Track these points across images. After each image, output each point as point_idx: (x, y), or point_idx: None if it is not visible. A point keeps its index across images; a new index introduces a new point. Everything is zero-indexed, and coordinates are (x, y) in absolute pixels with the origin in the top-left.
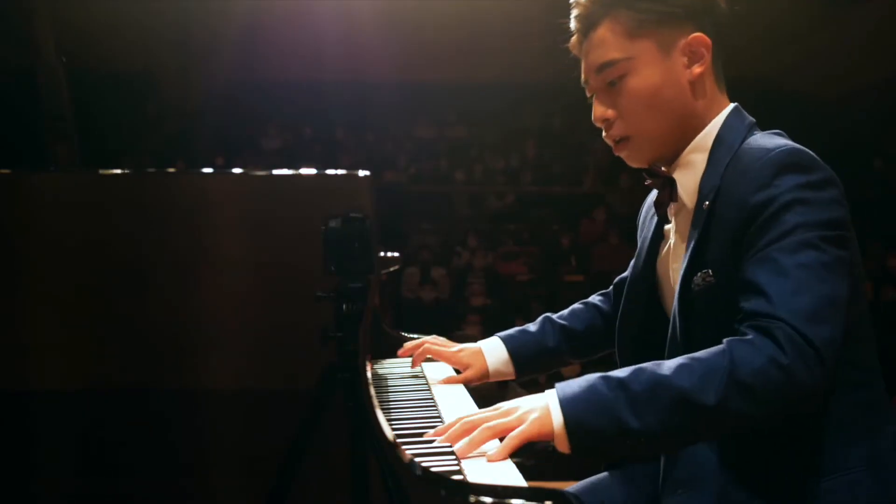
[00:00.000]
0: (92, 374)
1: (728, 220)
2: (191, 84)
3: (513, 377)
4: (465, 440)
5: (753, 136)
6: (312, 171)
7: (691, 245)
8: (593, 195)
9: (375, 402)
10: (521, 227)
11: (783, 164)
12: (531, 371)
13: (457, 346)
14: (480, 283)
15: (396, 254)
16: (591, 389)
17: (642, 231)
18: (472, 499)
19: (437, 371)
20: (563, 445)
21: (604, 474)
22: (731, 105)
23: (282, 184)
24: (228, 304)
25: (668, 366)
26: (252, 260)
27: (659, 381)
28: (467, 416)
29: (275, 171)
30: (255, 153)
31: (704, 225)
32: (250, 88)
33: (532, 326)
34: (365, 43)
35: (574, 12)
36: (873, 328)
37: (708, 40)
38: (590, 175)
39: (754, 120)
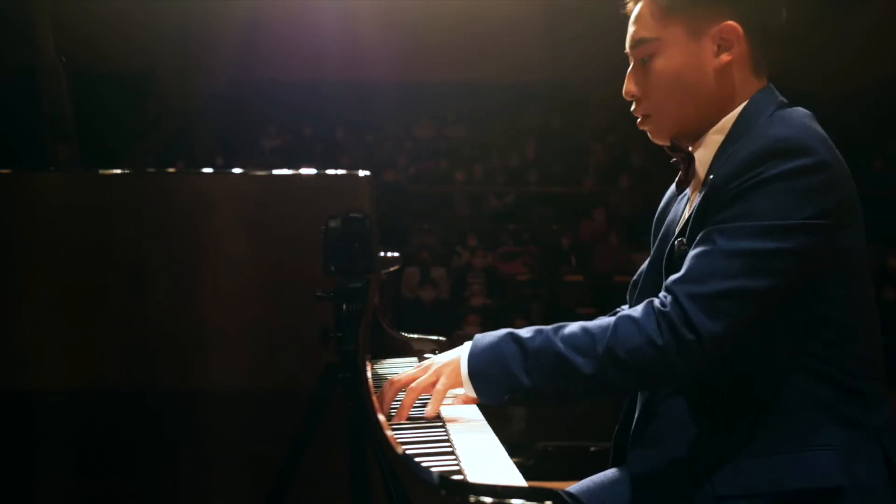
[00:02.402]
0: (92, 374)
1: (706, 197)
2: (191, 84)
3: None
4: (400, 408)
5: (773, 115)
6: (312, 171)
7: (691, 217)
8: (593, 195)
9: (375, 402)
10: (521, 227)
11: (765, 152)
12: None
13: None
14: (480, 283)
15: (396, 254)
16: (496, 345)
17: (663, 218)
18: (472, 499)
19: None
20: (470, 391)
21: (603, 474)
22: (761, 87)
23: (282, 184)
24: (228, 305)
25: (562, 332)
26: (252, 260)
27: (549, 345)
28: (394, 378)
29: (275, 171)
30: (255, 153)
31: (701, 199)
32: (250, 88)
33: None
34: (365, 43)
35: None
36: (878, 323)
37: (740, 30)
38: (590, 175)
39: (784, 100)
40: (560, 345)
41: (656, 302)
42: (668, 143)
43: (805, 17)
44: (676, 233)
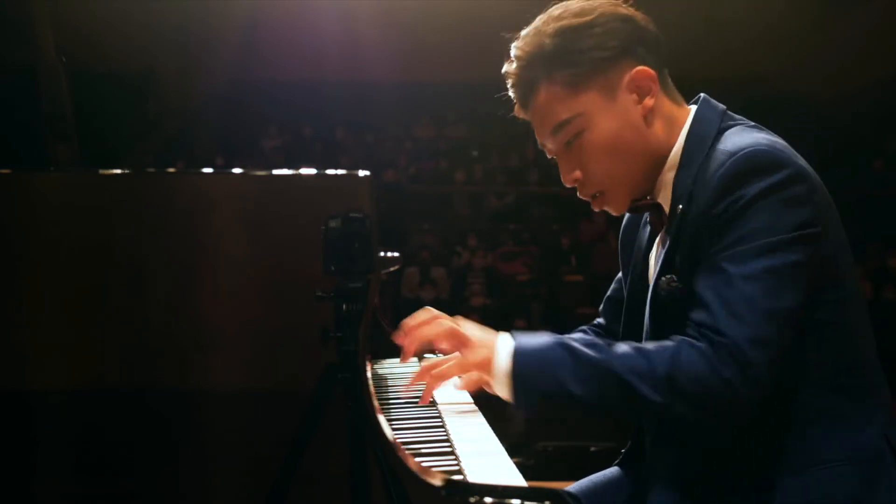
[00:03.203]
0: (92, 374)
1: (693, 227)
2: (191, 84)
3: None
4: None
5: (728, 132)
6: (312, 171)
7: (664, 249)
8: None
9: (375, 402)
10: (521, 227)
11: (740, 171)
12: None
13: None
14: (480, 283)
15: (396, 254)
16: (546, 349)
17: (630, 244)
18: (472, 499)
19: None
20: (501, 391)
21: (603, 473)
22: (694, 105)
23: (282, 184)
24: (228, 305)
25: (617, 349)
26: (252, 260)
27: (605, 360)
28: (426, 364)
29: (275, 171)
30: (255, 153)
31: (676, 229)
32: (250, 88)
33: None
34: (365, 43)
35: (509, 83)
36: (869, 321)
37: (650, 71)
38: None
39: (724, 107)
40: (616, 363)
41: (709, 333)
42: (628, 208)
43: (805, 17)
44: (658, 269)
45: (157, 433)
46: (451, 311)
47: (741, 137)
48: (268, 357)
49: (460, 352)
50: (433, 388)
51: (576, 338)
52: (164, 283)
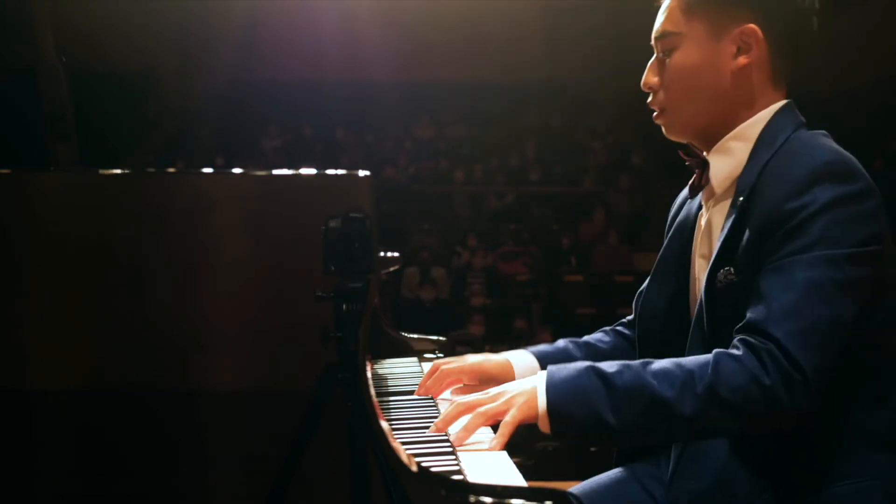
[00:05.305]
0: (92, 374)
1: (758, 222)
2: (191, 84)
3: None
4: (461, 428)
5: (798, 136)
6: (312, 171)
7: (721, 240)
8: (593, 195)
9: (375, 402)
10: (521, 227)
11: (821, 172)
12: None
13: (473, 358)
14: (480, 283)
15: (396, 254)
16: (577, 379)
17: (676, 218)
18: (472, 499)
19: None
20: (545, 427)
21: (606, 475)
22: (783, 102)
23: (282, 184)
24: (228, 305)
25: (652, 368)
26: (252, 260)
27: (641, 383)
28: (461, 399)
29: (275, 171)
30: (255, 153)
31: (736, 221)
32: (250, 88)
33: (551, 344)
34: (365, 43)
35: None
36: None
37: (760, 34)
38: (590, 175)
39: (804, 120)
40: (653, 382)
41: (753, 340)
42: (682, 140)
43: None
44: (713, 260)
45: (157, 433)
46: (452, 311)
47: (819, 142)
48: (268, 357)
49: (504, 407)
50: (476, 427)
51: (610, 363)
52: (164, 283)
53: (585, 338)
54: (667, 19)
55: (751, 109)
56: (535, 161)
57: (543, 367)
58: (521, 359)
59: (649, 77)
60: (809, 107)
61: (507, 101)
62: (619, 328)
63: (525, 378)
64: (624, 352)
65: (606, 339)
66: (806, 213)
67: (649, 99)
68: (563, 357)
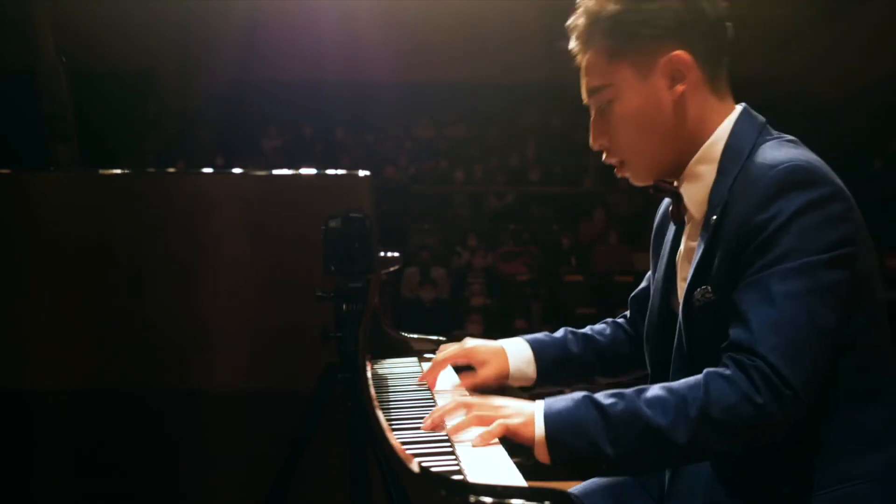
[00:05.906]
0: (92, 374)
1: (730, 238)
2: (191, 84)
3: (533, 380)
4: (456, 421)
5: (764, 146)
6: (312, 171)
7: (696, 259)
8: (593, 195)
9: (375, 402)
10: (521, 227)
11: (785, 182)
12: (554, 378)
13: (470, 342)
14: (480, 283)
15: (396, 254)
16: (573, 409)
17: (660, 237)
18: (472, 499)
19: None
20: (542, 456)
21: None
22: (740, 108)
23: (282, 184)
24: (228, 305)
25: (646, 397)
26: (252, 260)
27: (634, 412)
28: (462, 398)
29: (275, 171)
30: (255, 153)
31: (710, 239)
32: (250, 88)
33: (552, 334)
34: (365, 43)
35: (572, 36)
36: (891, 341)
37: (687, 57)
38: (590, 175)
39: (764, 120)
40: (647, 411)
41: (741, 358)
42: (650, 184)
43: (805, 17)
44: (690, 280)
45: (157, 433)
46: (452, 311)
47: (779, 152)
48: (268, 357)
49: (502, 416)
50: (468, 425)
51: (605, 393)
52: (164, 283)
53: (586, 328)
54: (591, 75)
55: (706, 130)
56: (535, 161)
57: (538, 357)
58: (515, 347)
59: (596, 137)
60: (810, 107)
61: (507, 101)
62: (620, 321)
63: (524, 402)
64: (622, 344)
65: (607, 331)
66: (775, 224)
67: (604, 156)
68: (559, 348)
